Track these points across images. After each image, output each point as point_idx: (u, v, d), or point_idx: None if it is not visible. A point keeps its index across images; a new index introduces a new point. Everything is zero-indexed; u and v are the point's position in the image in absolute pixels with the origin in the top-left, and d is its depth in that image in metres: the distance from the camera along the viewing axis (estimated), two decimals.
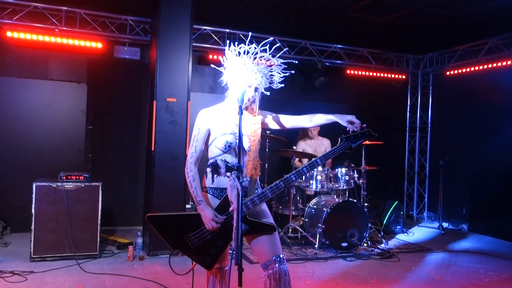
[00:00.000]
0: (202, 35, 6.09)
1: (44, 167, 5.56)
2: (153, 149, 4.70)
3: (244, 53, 2.39)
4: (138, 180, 6.13)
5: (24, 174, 5.41)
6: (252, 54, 2.39)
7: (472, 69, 6.76)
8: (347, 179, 5.47)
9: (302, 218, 5.60)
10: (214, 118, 2.43)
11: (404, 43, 7.20)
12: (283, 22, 6.34)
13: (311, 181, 5.43)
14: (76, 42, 5.60)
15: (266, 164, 5.76)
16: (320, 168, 5.44)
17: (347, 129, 2.46)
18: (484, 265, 4.81)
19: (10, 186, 5.51)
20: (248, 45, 2.39)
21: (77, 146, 5.91)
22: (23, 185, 5.07)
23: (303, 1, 5.54)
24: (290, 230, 5.56)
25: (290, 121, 2.61)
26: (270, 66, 2.46)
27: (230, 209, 2.16)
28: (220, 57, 2.46)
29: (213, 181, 2.33)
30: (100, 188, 4.53)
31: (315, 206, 5.49)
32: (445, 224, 6.83)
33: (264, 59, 2.42)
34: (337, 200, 5.30)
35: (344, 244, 5.09)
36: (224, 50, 2.46)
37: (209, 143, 2.44)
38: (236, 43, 2.40)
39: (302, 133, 6.31)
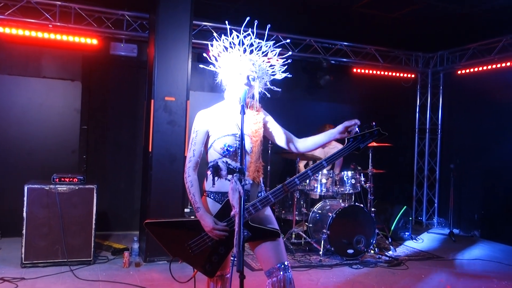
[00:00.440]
0: (203, 32, 6.11)
1: (36, 168, 5.55)
2: (150, 150, 4.70)
3: (239, 44, 2.36)
4: (135, 183, 6.13)
5: (15, 175, 5.41)
6: (247, 45, 2.36)
7: (485, 68, 6.75)
8: (353, 182, 5.46)
9: (306, 224, 5.59)
10: (213, 120, 2.41)
11: (413, 41, 7.19)
12: (287, 18, 6.34)
13: (315, 185, 5.42)
14: (71, 38, 5.60)
15: (269, 166, 5.76)
16: (325, 171, 5.43)
17: (350, 130, 2.36)
18: (497, 274, 4.80)
19: (1, 188, 5.51)
20: (244, 37, 2.36)
21: (71, 146, 5.91)
22: (14, 188, 5.06)
23: None
24: (293, 236, 5.55)
25: (285, 137, 2.57)
26: (269, 58, 2.44)
27: (232, 213, 2.15)
28: (213, 55, 2.44)
29: (213, 184, 2.32)
30: (94, 190, 4.53)
31: (319, 211, 5.48)
32: (456, 231, 6.82)
33: (262, 52, 2.40)
34: (342, 204, 5.29)
35: (350, 251, 5.07)
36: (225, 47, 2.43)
37: (209, 146, 2.42)
38: (224, 36, 2.38)
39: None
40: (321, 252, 5.07)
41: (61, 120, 5.87)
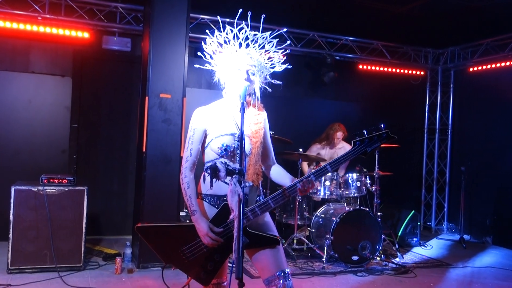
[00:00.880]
0: (200, 25, 6.10)
1: (24, 169, 5.55)
2: (144, 150, 4.70)
3: (234, 38, 2.36)
4: (128, 185, 6.13)
5: (1, 176, 5.41)
6: (242, 39, 2.36)
7: (498, 65, 6.76)
8: (358, 185, 5.46)
9: (309, 228, 5.59)
10: (211, 118, 2.41)
11: (422, 36, 7.19)
12: (289, 11, 6.34)
13: (318, 187, 5.42)
14: (61, 32, 5.60)
15: None
16: (328, 173, 5.43)
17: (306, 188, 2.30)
18: (510, 283, 4.79)
19: None
20: (239, 31, 2.36)
21: (61, 146, 5.91)
22: (0, 189, 5.07)
23: None
24: (295, 241, 5.54)
25: (266, 152, 2.57)
26: (266, 51, 2.43)
27: (231, 217, 2.14)
28: (208, 53, 2.44)
29: (211, 186, 2.31)
30: (85, 192, 4.53)
31: (323, 215, 5.48)
32: (466, 237, 6.81)
33: (258, 45, 2.39)
34: (347, 208, 5.29)
35: (355, 258, 5.07)
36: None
37: (205, 145, 2.42)
38: (215, 31, 2.38)
39: (325, 137, 6.13)
40: (324, 259, 5.07)
41: (50, 118, 5.87)
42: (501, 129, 6.88)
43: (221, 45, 2.40)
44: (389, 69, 7.44)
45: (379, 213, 5.56)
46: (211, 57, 2.44)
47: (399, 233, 6.22)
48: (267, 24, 2.36)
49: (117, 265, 4.52)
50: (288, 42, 2.56)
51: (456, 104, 7.82)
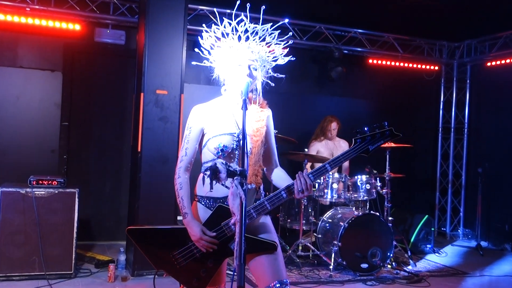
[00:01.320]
0: (199, 16, 6.11)
1: (11, 169, 5.57)
2: (139, 150, 4.70)
3: (232, 32, 2.35)
4: (122, 187, 6.14)
5: None
6: (241, 32, 2.35)
7: None
8: (368, 188, 5.45)
9: (315, 234, 5.59)
10: (209, 116, 2.41)
11: (437, 28, 7.18)
12: (293, 2, 6.34)
13: (325, 190, 5.42)
14: (51, 24, 5.61)
15: None
16: (336, 175, 5.43)
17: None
18: None
19: None
20: (238, 23, 2.35)
21: (50, 145, 5.92)
22: None
23: None
24: (300, 247, 5.54)
25: (269, 154, 2.57)
26: (268, 44, 2.42)
27: (232, 221, 2.14)
28: (206, 48, 2.44)
29: (211, 188, 2.32)
30: (76, 195, 4.54)
31: (330, 220, 5.47)
32: (484, 243, 6.80)
33: (259, 37, 2.38)
34: (356, 213, 5.28)
35: (364, 265, 5.07)
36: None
37: (203, 145, 2.43)
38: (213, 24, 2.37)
39: (319, 131, 6.19)
40: (331, 267, 5.06)
41: (39, 115, 5.88)
42: None
43: (219, 39, 2.39)
44: (401, 64, 7.43)
45: (390, 218, 5.56)
46: (209, 53, 2.44)
47: (412, 239, 6.21)
48: (270, 15, 2.36)
49: (110, 272, 4.52)
50: (291, 33, 2.56)
51: (473, 101, 7.81)
